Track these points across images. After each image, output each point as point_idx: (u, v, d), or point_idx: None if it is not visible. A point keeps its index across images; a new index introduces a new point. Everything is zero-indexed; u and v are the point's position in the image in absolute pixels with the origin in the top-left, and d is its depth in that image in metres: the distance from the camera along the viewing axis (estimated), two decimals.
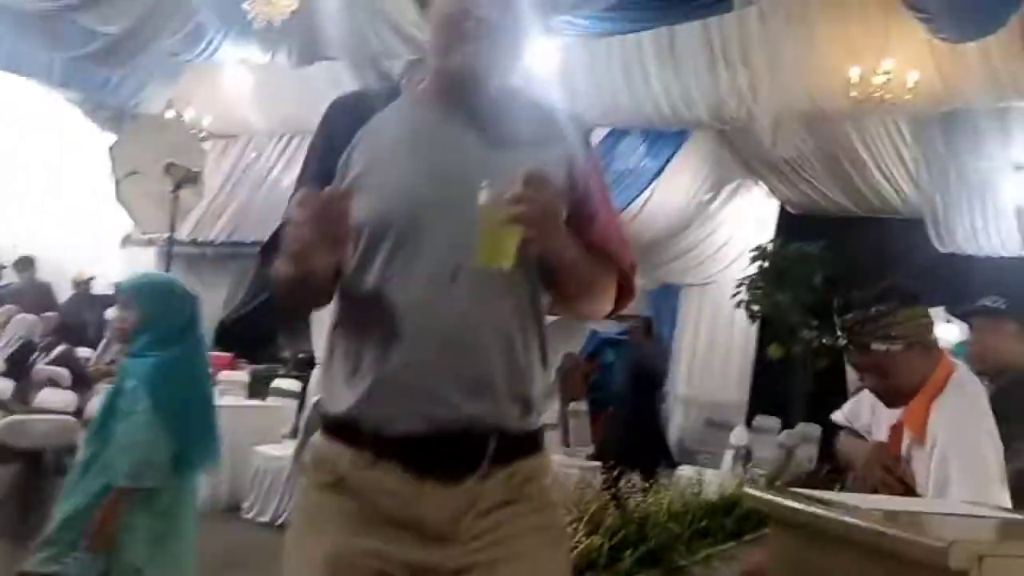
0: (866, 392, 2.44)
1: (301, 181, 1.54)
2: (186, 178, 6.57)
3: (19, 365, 6.92)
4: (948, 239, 8.72)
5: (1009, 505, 2.03)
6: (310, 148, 1.58)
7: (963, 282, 8.02)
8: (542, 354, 1.53)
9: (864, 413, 2.49)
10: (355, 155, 1.49)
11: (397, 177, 1.47)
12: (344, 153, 1.50)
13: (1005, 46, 5.64)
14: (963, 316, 2.81)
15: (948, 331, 8.73)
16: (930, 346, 2.23)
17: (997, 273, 8.31)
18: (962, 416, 2.16)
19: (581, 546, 4.30)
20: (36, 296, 10.77)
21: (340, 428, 1.49)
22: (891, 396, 2.26)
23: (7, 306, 10.01)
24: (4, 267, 10.63)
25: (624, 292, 1.61)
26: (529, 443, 1.52)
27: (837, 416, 2.57)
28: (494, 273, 1.39)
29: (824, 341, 9.51)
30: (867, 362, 2.24)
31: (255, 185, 10.32)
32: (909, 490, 2.23)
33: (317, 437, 1.55)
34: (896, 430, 2.30)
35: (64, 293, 10.41)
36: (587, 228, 1.51)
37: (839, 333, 2.31)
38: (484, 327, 1.45)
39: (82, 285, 10.29)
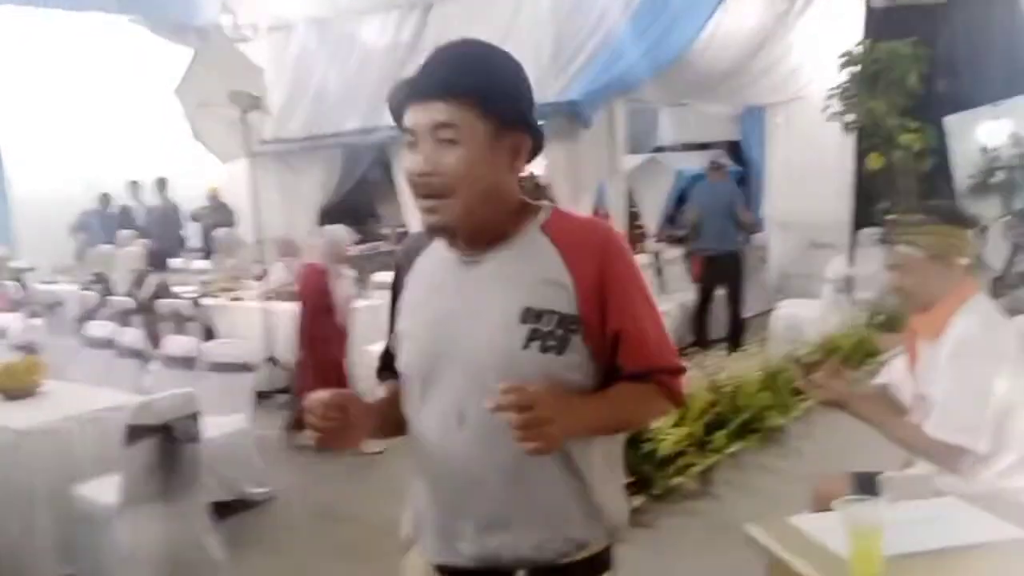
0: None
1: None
2: (251, 103, 6.68)
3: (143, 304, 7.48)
4: None
5: (979, 446, 2.16)
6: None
7: None
8: (582, 483, 1.52)
9: (895, 370, 2.57)
10: (404, 300, 1.64)
11: (420, 326, 1.57)
12: (401, 297, 1.65)
13: None
14: None
15: None
16: (953, 265, 2.34)
17: None
18: (982, 343, 2.27)
19: (669, 439, 4.50)
20: (165, 217, 11.52)
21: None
22: (905, 299, 2.44)
23: (126, 232, 10.70)
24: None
25: (674, 396, 1.58)
26: (571, 574, 1.53)
27: (878, 378, 2.67)
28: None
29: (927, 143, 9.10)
30: (892, 261, 2.42)
31: (323, 73, 10.27)
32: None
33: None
34: (909, 335, 2.47)
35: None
36: (620, 353, 1.50)
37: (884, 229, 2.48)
38: (489, 471, 1.49)
39: (214, 198, 10.86)
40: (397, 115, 1.52)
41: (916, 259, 2.33)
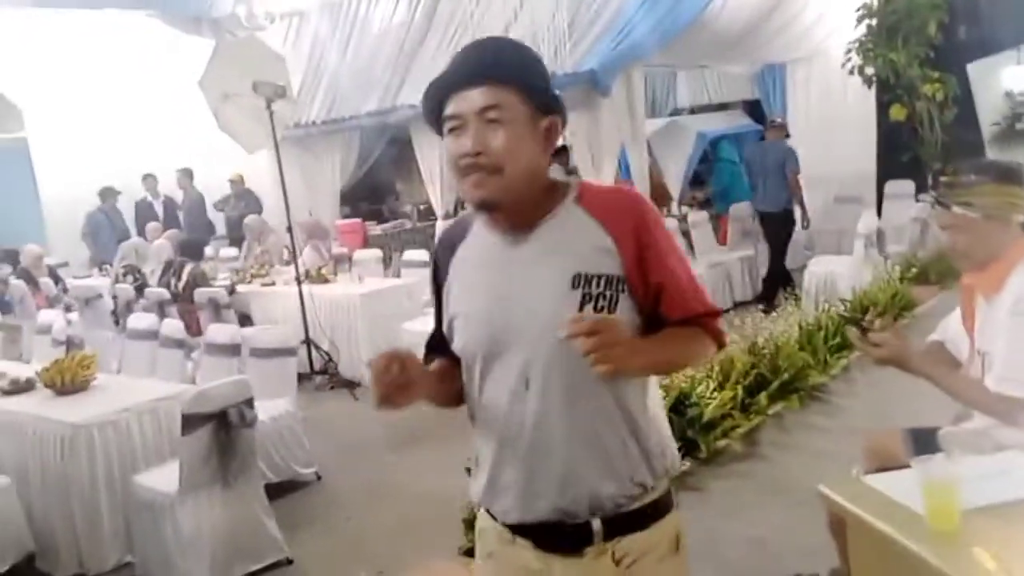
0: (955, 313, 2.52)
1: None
2: (275, 92, 6.72)
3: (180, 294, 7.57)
4: None
5: None
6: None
7: None
8: (640, 430, 1.63)
9: (951, 327, 2.60)
10: (452, 287, 1.72)
11: (476, 308, 1.66)
12: (446, 286, 1.73)
13: None
14: None
15: None
16: (1009, 224, 2.36)
17: None
18: None
19: (713, 403, 4.55)
20: (193, 207, 11.57)
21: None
22: (961, 258, 2.44)
23: (153, 223, 10.78)
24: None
25: (716, 336, 1.70)
26: (639, 518, 1.64)
27: (933, 335, 2.69)
28: (563, 382, 1.56)
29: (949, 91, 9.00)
30: (947, 222, 2.42)
31: (338, 56, 10.29)
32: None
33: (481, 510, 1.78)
34: (965, 293, 2.49)
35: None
36: (662, 305, 1.61)
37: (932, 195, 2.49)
38: (558, 429, 1.59)
39: (239, 185, 10.90)
40: (437, 108, 1.60)
41: (972, 219, 2.34)
